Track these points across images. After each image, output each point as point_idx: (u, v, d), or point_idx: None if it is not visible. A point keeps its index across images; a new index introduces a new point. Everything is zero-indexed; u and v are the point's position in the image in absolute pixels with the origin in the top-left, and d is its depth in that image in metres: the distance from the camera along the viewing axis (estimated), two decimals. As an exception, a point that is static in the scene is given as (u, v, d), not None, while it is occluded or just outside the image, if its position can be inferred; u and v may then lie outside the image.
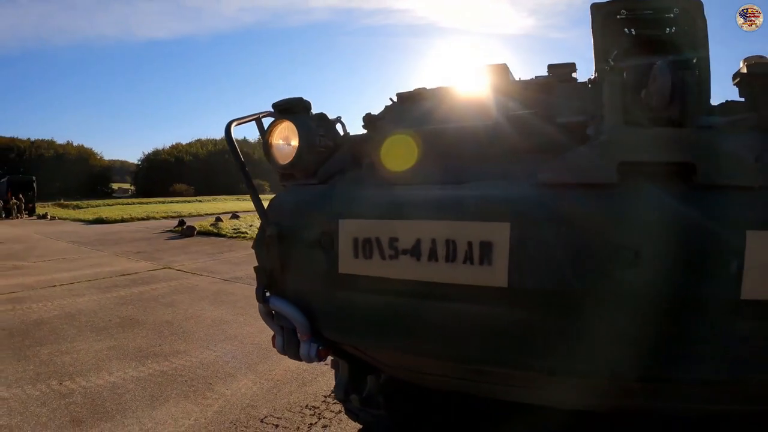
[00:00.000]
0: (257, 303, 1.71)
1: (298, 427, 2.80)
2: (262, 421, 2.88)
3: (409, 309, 1.40)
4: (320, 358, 1.61)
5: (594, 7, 2.03)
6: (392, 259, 1.37)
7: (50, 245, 12.90)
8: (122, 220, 21.11)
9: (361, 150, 1.72)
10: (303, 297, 1.59)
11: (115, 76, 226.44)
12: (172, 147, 79.57)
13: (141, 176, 76.14)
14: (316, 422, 2.85)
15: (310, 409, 3.02)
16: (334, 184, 1.63)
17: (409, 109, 2.20)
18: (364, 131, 1.94)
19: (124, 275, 7.97)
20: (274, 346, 1.69)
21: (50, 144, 72.21)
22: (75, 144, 76.18)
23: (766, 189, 1.12)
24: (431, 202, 1.35)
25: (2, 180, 29.73)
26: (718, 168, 1.15)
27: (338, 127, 1.90)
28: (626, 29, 2.09)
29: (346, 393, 1.97)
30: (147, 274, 8.12)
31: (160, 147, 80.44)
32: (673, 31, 2.07)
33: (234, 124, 1.64)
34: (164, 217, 22.29)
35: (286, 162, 1.63)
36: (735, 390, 1.25)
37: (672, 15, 2.03)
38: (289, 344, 1.65)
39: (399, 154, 1.61)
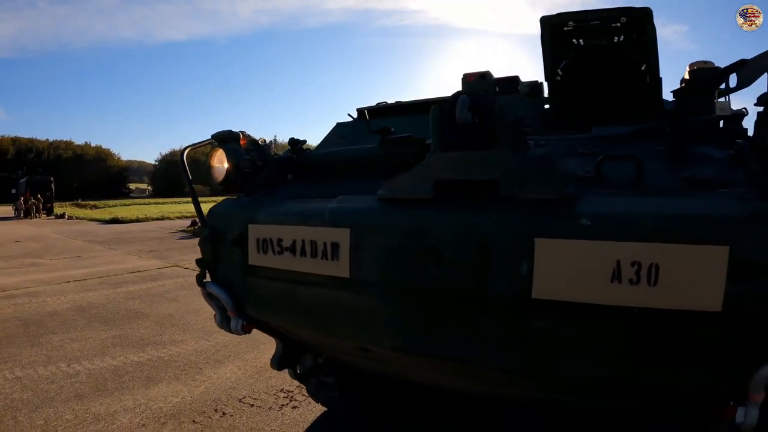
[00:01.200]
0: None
1: (271, 407, 3.17)
2: (240, 401, 3.26)
3: (292, 292, 1.79)
4: (245, 331, 2.02)
5: (543, 20, 2.11)
6: (279, 254, 1.75)
7: (66, 244, 13.50)
8: (137, 220, 21.70)
9: (282, 168, 2.13)
10: (229, 282, 2.00)
11: (134, 78, 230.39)
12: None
13: (158, 176, 77.16)
14: (287, 403, 3.22)
15: (284, 392, 3.39)
16: (254, 197, 2.02)
17: (356, 125, 2.56)
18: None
19: (134, 272, 8.45)
20: (215, 323, 2.09)
21: (68, 145, 73.72)
22: (93, 145, 77.88)
23: (551, 202, 1.33)
24: (303, 212, 1.73)
25: (21, 180, 30.09)
26: (514, 184, 1.35)
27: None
28: (574, 40, 2.12)
29: (280, 365, 2.32)
30: (156, 271, 8.58)
31: (177, 147, 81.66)
32: (621, 39, 2.07)
33: (187, 150, 2.06)
34: (178, 217, 22.81)
35: (221, 180, 2.04)
36: (541, 380, 1.49)
37: (619, 24, 2.04)
38: (223, 320, 2.06)
39: (301, 172, 2.04)
